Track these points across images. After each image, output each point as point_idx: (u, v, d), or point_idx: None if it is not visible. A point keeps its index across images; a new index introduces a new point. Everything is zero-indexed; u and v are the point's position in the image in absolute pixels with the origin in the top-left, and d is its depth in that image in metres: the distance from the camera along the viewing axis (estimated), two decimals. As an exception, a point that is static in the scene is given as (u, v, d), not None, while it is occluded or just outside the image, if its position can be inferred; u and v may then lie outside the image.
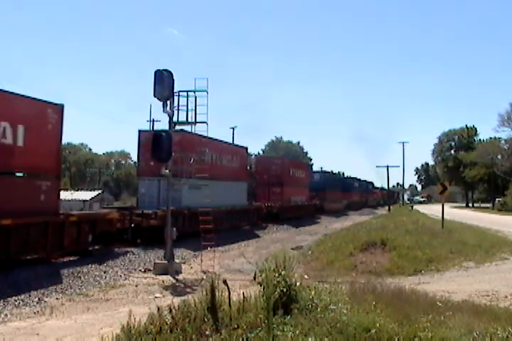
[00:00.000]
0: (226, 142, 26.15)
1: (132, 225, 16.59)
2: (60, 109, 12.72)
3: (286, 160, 38.01)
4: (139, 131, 19.70)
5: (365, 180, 73.72)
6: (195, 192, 18.47)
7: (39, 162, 11.99)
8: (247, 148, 28.42)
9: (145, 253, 14.90)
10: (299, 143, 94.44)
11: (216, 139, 23.07)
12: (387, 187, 66.23)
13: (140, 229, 16.62)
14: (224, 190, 22.43)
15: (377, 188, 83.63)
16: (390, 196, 73.73)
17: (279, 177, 32.53)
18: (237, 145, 28.18)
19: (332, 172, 56.09)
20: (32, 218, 11.46)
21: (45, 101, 12.29)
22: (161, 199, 17.42)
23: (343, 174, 70.46)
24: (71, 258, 13.02)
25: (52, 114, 12.48)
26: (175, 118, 12.82)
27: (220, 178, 21.66)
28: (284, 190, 32.81)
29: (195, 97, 13.08)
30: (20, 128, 11.47)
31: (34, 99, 12.04)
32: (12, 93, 11.44)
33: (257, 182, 30.47)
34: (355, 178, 67.26)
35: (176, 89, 12.54)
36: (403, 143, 62.37)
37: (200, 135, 18.91)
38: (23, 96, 11.69)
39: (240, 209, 24.93)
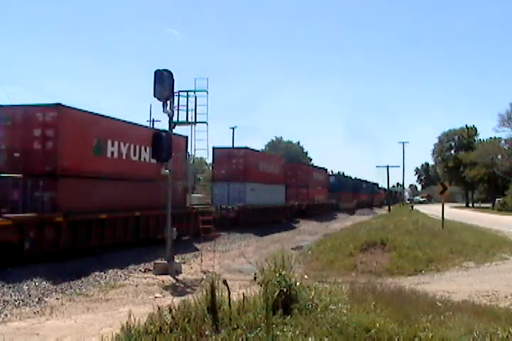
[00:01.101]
0: (271, 154, 36.52)
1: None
2: (186, 139, 18.15)
3: (310, 167, 46.42)
4: (213, 148, 24.71)
5: (371, 182, 78.50)
6: (253, 192, 25.84)
7: (178, 173, 16.32)
8: (284, 159, 36.89)
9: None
10: (299, 143, 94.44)
11: (265, 152, 33.25)
12: (387, 187, 67.03)
13: (224, 220, 22.99)
14: (269, 192, 28.99)
15: (381, 189, 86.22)
16: (394, 196, 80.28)
17: (305, 180, 38.67)
18: (278, 156, 36.01)
19: (350, 176, 63.51)
20: (177, 210, 15.73)
21: (180, 135, 17.65)
22: (230, 198, 23.66)
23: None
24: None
25: (183, 143, 18.43)
26: (175, 118, 12.81)
27: (267, 182, 28.34)
28: (309, 191, 39.38)
29: (195, 97, 13.07)
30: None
31: (180, 135, 17.53)
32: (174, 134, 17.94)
33: (287, 185, 34.68)
34: (363, 180, 71.95)
35: (175, 89, 12.53)
36: (403, 143, 62.38)
37: (257, 150, 29.18)
38: (176, 134, 16.85)
39: (280, 207, 31.19)
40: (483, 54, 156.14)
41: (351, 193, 57.92)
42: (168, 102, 12.41)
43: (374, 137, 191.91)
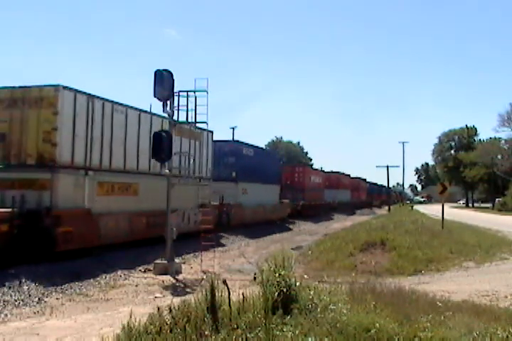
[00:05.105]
0: (347, 175, 58.84)
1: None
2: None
3: (360, 180, 69.49)
4: (323, 171, 49.17)
5: (386, 186, 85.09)
6: (340, 194, 51.81)
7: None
8: (349, 175, 60.75)
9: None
10: (299, 143, 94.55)
11: (347, 175, 58.69)
12: (387, 188, 68.24)
13: (331, 207, 48.33)
14: (345, 194, 55.70)
15: (393, 191, 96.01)
16: (397, 196, 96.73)
17: (357, 187, 64.19)
18: (346, 174, 58.29)
19: (377, 183, 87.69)
20: (319, 201, 41.88)
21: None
22: (333, 197, 47.52)
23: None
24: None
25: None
26: (175, 118, 12.81)
27: (345, 189, 55.26)
28: (359, 193, 65.65)
29: (195, 97, 13.04)
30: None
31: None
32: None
33: (350, 190, 59.33)
34: (383, 185, 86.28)
35: (175, 89, 12.51)
36: (403, 143, 62.67)
37: (343, 173, 57.69)
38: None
39: (349, 203, 56.50)
40: (484, 54, 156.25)
41: (377, 195, 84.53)
42: (168, 102, 12.38)
43: (373, 137, 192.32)
